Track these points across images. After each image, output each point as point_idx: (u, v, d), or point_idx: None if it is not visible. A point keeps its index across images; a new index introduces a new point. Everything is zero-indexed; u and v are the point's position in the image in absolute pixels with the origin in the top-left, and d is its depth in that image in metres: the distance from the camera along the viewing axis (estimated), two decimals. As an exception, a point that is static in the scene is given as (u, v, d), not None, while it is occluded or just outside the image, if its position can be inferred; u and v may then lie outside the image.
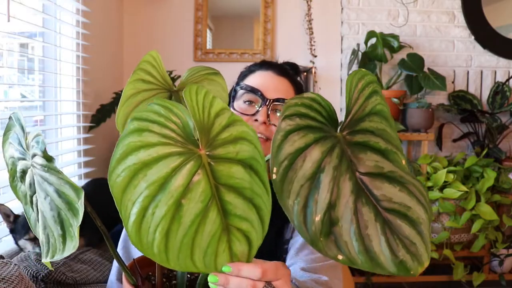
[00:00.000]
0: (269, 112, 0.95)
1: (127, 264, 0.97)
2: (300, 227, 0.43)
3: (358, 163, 0.47)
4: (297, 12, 2.72)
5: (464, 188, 2.28)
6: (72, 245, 0.45)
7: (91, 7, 2.05)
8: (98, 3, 2.19)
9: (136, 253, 0.99)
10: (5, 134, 0.57)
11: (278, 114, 0.98)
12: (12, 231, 1.27)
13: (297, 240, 0.95)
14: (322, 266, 0.88)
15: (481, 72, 2.81)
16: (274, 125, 0.96)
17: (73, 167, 1.97)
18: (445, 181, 2.33)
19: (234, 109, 0.99)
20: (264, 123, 0.94)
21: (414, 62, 2.54)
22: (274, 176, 0.44)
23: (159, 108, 0.43)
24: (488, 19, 2.74)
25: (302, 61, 2.69)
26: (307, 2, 2.68)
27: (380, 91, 0.54)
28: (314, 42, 2.68)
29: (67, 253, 0.46)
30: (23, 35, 1.75)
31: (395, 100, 2.46)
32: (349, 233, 0.44)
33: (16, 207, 1.37)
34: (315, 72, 2.69)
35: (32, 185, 0.51)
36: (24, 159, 0.53)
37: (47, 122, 1.89)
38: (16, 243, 1.27)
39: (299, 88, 1.05)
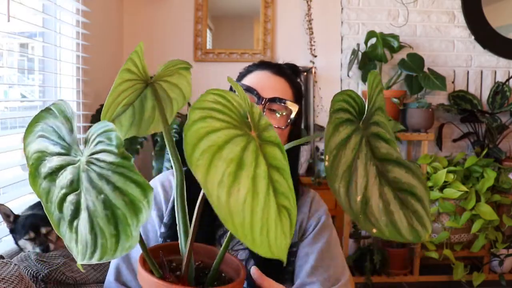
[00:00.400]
0: (264, 111, 0.94)
1: (128, 262, 0.96)
2: (347, 207, 0.50)
3: (375, 151, 0.56)
4: (297, 12, 2.72)
5: (464, 188, 2.29)
6: (128, 244, 0.44)
7: (91, 7, 2.05)
8: (98, 3, 2.19)
9: (134, 255, 0.98)
10: (31, 126, 0.52)
11: (276, 113, 0.97)
12: (12, 231, 1.27)
13: (307, 253, 0.96)
14: (338, 287, 0.94)
15: (481, 72, 2.81)
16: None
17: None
18: (445, 181, 2.33)
19: None
20: None
21: (414, 62, 2.55)
22: (326, 163, 0.50)
23: (215, 97, 0.47)
24: (488, 19, 2.74)
25: (302, 61, 2.69)
26: (307, 2, 2.68)
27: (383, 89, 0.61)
28: (314, 42, 2.68)
29: (119, 253, 0.44)
30: (23, 35, 1.75)
31: (395, 100, 2.46)
32: (378, 210, 0.52)
33: (16, 207, 1.37)
34: (315, 72, 2.69)
35: (74, 182, 0.47)
36: (66, 154, 0.49)
37: (47, 122, 1.89)
38: (16, 243, 1.27)
39: (297, 88, 1.04)
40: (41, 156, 0.50)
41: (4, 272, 0.92)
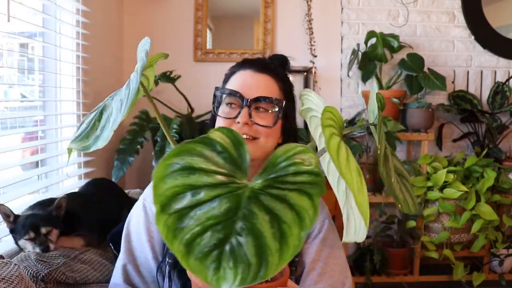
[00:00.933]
0: (250, 112, 0.92)
1: (134, 263, 0.96)
2: (389, 186, 0.62)
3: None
4: (297, 12, 2.71)
5: (464, 188, 2.28)
6: (290, 253, 0.45)
7: (91, 7, 2.05)
8: (98, 3, 2.19)
9: (140, 255, 0.98)
10: (168, 159, 0.49)
11: (265, 112, 0.94)
12: (12, 231, 1.27)
13: (314, 260, 0.97)
14: None
15: (481, 72, 2.81)
16: (258, 124, 0.92)
17: (73, 167, 1.97)
18: (445, 181, 2.32)
19: (218, 115, 0.96)
20: (247, 123, 0.92)
21: (414, 62, 2.54)
22: (378, 151, 0.61)
23: (330, 114, 0.58)
24: (488, 19, 2.74)
25: (302, 61, 2.69)
26: (307, 2, 2.68)
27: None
28: (314, 42, 2.68)
29: (282, 265, 0.45)
30: (23, 35, 1.75)
31: (395, 100, 2.45)
32: (398, 190, 0.65)
33: (16, 207, 1.37)
34: (315, 72, 2.69)
35: (231, 210, 0.47)
36: (224, 183, 0.49)
37: (47, 122, 1.89)
38: (16, 243, 1.27)
39: (284, 82, 1.01)
40: (179, 191, 0.47)
41: (4, 272, 0.92)
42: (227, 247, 0.45)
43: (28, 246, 1.24)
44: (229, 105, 0.95)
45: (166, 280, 0.95)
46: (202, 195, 0.47)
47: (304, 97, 0.75)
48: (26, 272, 1.08)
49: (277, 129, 0.97)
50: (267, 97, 0.93)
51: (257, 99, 0.93)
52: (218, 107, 0.97)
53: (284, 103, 0.95)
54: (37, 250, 1.23)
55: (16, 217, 1.26)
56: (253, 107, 0.93)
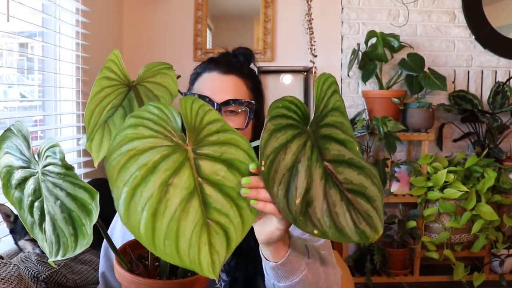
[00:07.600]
0: (221, 115, 0.92)
1: (112, 270, 0.97)
2: (284, 209, 0.52)
3: (325, 152, 0.57)
4: (297, 12, 2.71)
5: (464, 188, 2.28)
6: (85, 242, 0.50)
7: (91, 7, 2.05)
8: (98, 3, 2.19)
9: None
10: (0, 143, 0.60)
11: (234, 114, 0.94)
12: (12, 231, 1.26)
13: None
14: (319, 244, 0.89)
15: (482, 72, 2.80)
16: None
17: (73, 167, 1.96)
18: (445, 181, 2.32)
19: None
20: None
21: (415, 62, 2.54)
22: (262, 168, 0.51)
23: (153, 108, 0.50)
24: (489, 18, 2.74)
25: (302, 61, 2.68)
26: (307, 2, 2.67)
27: (339, 90, 0.64)
28: (314, 42, 2.68)
29: (79, 250, 0.51)
30: (23, 35, 1.74)
31: (395, 100, 2.45)
32: (321, 211, 0.53)
33: (16, 207, 1.37)
34: (315, 72, 2.69)
35: (36, 191, 0.54)
36: (27, 167, 0.56)
37: (47, 122, 1.89)
38: (16, 243, 1.27)
39: (252, 80, 1.00)
40: (10, 169, 0.57)
41: (4, 272, 0.91)
42: (45, 224, 0.54)
43: (28, 247, 1.24)
44: None
45: None
46: (19, 175, 0.57)
47: None
48: (27, 273, 1.08)
49: (249, 131, 0.97)
50: (237, 100, 0.93)
51: (227, 102, 0.92)
52: None
53: (254, 105, 0.94)
54: (37, 251, 1.22)
55: (16, 217, 1.26)
56: (223, 110, 0.93)
